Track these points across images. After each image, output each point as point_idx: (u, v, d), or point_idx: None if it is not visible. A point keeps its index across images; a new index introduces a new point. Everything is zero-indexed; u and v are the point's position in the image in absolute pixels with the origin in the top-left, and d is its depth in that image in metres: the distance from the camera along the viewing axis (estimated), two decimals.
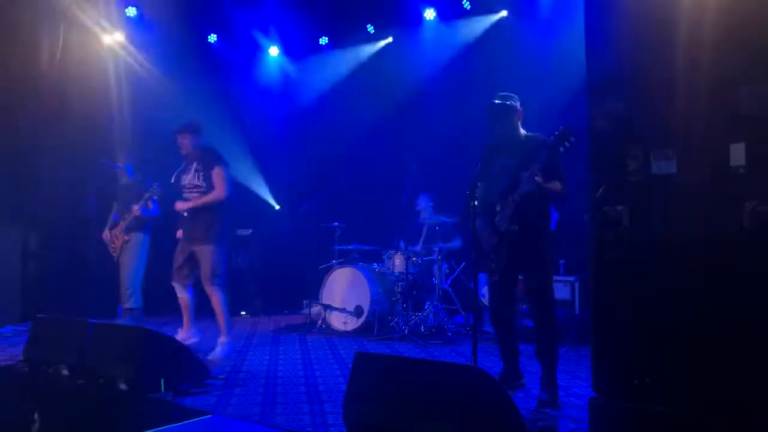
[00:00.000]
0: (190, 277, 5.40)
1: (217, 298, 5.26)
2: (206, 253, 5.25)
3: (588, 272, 2.97)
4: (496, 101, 3.99)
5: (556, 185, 3.79)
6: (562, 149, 3.64)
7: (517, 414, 2.78)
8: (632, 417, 2.66)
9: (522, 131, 4.06)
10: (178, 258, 5.40)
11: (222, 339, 5.32)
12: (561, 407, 3.69)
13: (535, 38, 7.35)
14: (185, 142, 5.38)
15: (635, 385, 2.64)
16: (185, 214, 5.38)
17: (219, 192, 5.28)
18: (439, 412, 2.69)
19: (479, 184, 3.85)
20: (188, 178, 5.38)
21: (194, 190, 5.33)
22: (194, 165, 5.37)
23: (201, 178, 5.34)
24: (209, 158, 5.37)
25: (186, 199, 5.38)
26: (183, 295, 5.43)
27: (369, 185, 8.25)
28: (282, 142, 9.53)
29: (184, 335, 5.37)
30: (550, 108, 6.23)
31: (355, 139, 8.58)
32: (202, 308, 5.72)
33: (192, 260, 5.34)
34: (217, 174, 5.29)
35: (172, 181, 5.57)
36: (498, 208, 3.94)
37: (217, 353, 5.21)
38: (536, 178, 3.70)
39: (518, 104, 4.04)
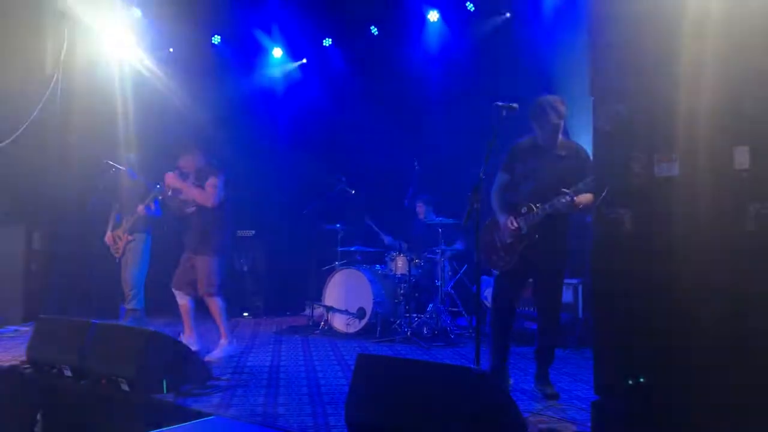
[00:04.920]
0: (191, 288, 5.35)
1: (214, 305, 5.28)
2: (201, 263, 5.27)
3: (591, 275, 2.97)
4: (552, 100, 3.92)
5: (588, 198, 3.71)
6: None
7: (519, 416, 2.78)
8: (634, 419, 2.65)
9: (561, 137, 4.03)
10: (183, 265, 5.41)
11: (223, 341, 5.34)
12: (565, 409, 3.68)
13: (539, 40, 7.33)
14: (189, 160, 5.36)
15: (637, 387, 2.63)
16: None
17: (205, 197, 5.24)
18: (442, 414, 2.69)
19: (506, 181, 4.06)
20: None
21: (190, 203, 5.34)
22: (190, 179, 5.36)
23: None
24: (206, 172, 5.36)
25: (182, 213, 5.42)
26: (183, 302, 5.43)
27: (372, 187, 8.24)
28: (285, 143, 9.52)
29: (185, 341, 5.36)
30: None
31: (358, 141, 8.57)
32: (200, 311, 5.69)
33: (192, 268, 5.35)
34: (209, 183, 5.28)
35: (169, 194, 5.54)
36: (523, 210, 3.94)
37: (215, 354, 5.23)
38: (576, 199, 3.72)
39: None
